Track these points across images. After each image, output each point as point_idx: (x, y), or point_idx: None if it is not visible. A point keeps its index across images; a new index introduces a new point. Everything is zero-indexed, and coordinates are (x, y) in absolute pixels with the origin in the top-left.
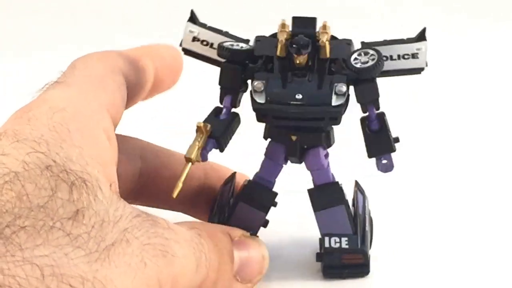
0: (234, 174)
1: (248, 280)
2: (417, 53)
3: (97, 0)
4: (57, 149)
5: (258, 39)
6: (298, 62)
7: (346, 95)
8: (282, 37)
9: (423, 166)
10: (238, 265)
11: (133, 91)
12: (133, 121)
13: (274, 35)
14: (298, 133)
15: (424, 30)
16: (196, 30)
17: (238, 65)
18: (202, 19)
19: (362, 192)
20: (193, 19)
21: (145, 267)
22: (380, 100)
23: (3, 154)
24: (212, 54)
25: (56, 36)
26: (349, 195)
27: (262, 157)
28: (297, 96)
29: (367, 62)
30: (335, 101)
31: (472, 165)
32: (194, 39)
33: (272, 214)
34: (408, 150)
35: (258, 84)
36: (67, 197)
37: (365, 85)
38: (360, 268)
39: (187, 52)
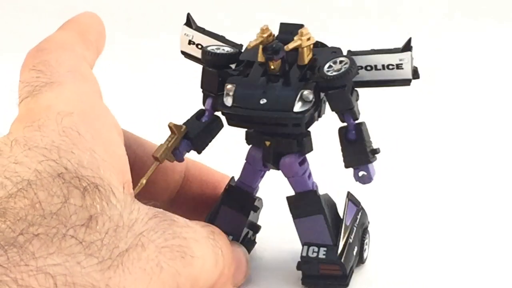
0: (232, 178)
1: (236, 284)
2: (401, 64)
3: (96, 1)
4: (68, 155)
5: None
6: (272, 67)
7: (312, 102)
8: (256, 42)
9: (419, 168)
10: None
11: None
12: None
13: None
14: (271, 139)
15: (409, 40)
16: (191, 33)
17: (220, 69)
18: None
19: (357, 204)
20: (189, 22)
21: (161, 271)
22: (369, 108)
23: (16, 163)
24: None
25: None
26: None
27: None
28: (261, 101)
29: (340, 69)
30: (298, 108)
31: (469, 167)
32: (190, 42)
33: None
34: (404, 152)
35: (229, 87)
36: (80, 203)
37: (335, 93)
38: (339, 280)
39: (186, 55)
